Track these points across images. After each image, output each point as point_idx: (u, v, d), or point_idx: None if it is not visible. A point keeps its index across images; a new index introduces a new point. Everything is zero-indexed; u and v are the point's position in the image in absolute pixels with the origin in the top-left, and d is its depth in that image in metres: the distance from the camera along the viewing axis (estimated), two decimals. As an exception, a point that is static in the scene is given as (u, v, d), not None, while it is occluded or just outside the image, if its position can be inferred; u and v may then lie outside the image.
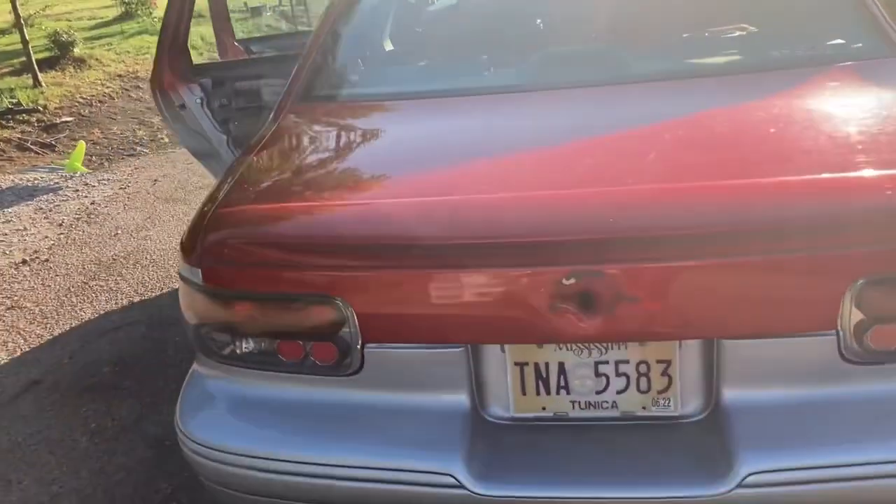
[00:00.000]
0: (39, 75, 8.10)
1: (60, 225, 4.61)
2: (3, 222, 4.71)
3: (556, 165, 1.60)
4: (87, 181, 5.49)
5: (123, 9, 12.94)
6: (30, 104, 7.59)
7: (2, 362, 3.12)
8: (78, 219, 4.69)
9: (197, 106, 3.18)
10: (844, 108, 1.73)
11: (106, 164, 6.11)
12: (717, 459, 1.36)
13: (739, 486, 1.31)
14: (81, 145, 6.37)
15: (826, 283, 1.32)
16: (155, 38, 11.60)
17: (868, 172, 1.38)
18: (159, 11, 12.46)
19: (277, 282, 1.49)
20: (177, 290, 3.37)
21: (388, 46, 2.61)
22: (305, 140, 2.00)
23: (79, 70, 9.40)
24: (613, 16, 2.37)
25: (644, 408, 1.45)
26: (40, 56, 8.72)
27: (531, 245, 1.37)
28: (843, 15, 2.10)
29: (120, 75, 9.71)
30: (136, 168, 5.80)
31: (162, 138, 6.98)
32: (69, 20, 12.53)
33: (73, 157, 6.12)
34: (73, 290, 3.71)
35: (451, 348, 1.45)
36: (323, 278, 1.45)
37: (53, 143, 6.95)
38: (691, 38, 2.27)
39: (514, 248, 1.38)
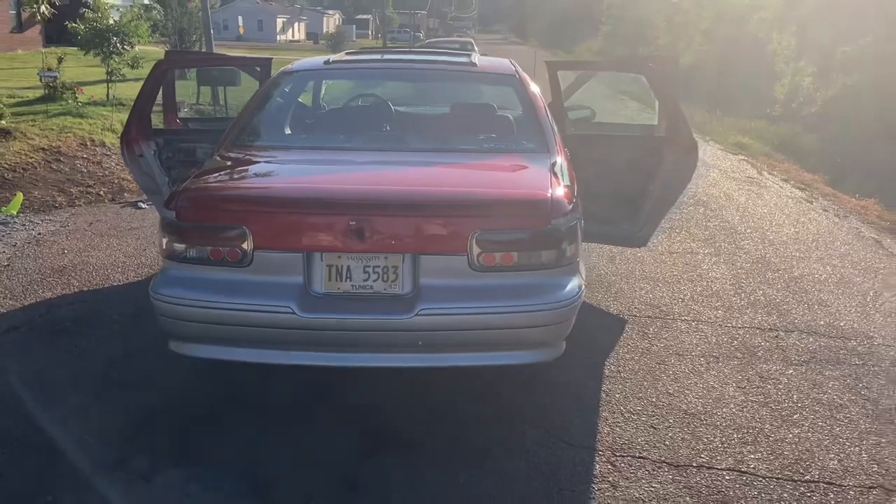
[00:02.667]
0: (-33, 141, 9.32)
1: (14, 246, 6.04)
2: (-37, 241, 6.09)
3: (356, 176, 3.46)
4: (31, 220, 6.92)
5: (48, 91, 14.27)
6: (-43, 164, 8.78)
7: (-14, 317, 4.56)
8: (28, 243, 6.14)
9: (152, 156, 4.86)
10: (501, 167, 3.67)
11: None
12: (410, 307, 3.10)
13: (416, 315, 3.07)
14: (20, 195, 7.80)
15: (463, 232, 3.13)
16: (77, 120, 13.03)
17: (477, 188, 3.30)
18: (84, 97, 14.01)
19: (213, 217, 3.20)
20: (108, 289, 5.02)
21: (287, 131, 4.42)
22: (231, 161, 3.76)
23: (4, 140, 10.65)
24: (415, 123, 4.40)
25: (385, 289, 3.19)
26: (-35, 127, 9.90)
27: (336, 205, 3.16)
28: (534, 132, 4.06)
29: (43, 148, 10.93)
30: (72, 214, 7.28)
31: (80, 205, 8.32)
32: (-7, 97, 13.79)
33: (11, 205, 7.53)
34: (33, 283, 5.17)
35: (296, 253, 3.17)
36: (236, 216, 3.18)
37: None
38: (457, 136, 4.19)
39: (328, 206, 3.16)
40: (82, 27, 15.35)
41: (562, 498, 2.99)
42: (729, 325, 4.76)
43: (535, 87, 4.40)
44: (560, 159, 3.78)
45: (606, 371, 4.06)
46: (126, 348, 4.17)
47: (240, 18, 60.38)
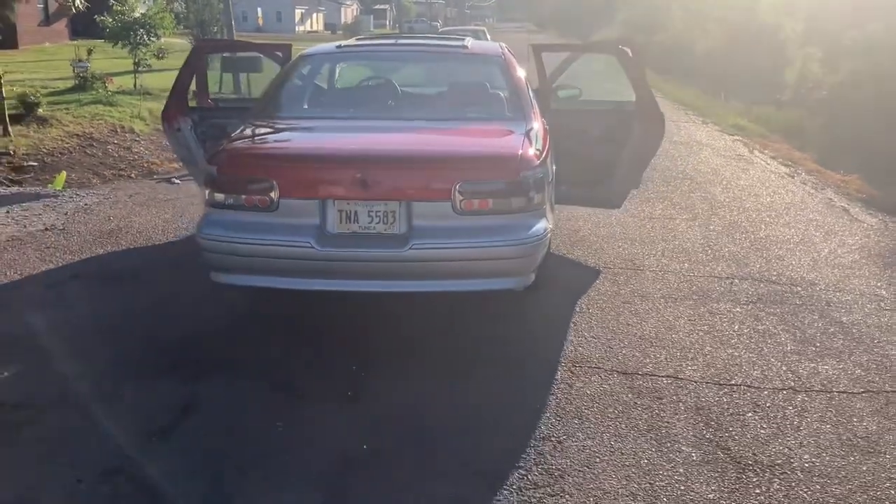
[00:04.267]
0: (9, 128, 10.16)
1: (65, 214, 6.89)
2: (22, 210, 6.95)
3: (362, 138, 4.27)
4: (77, 193, 7.78)
5: (78, 81, 15.13)
6: (1, 149, 9.50)
7: (51, 268, 5.40)
8: (77, 211, 6.99)
9: (188, 130, 5.68)
10: (483, 132, 4.45)
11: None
12: (405, 242, 3.88)
13: (409, 249, 3.85)
14: (63, 173, 8.68)
15: (447, 183, 3.90)
16: (107, 108, 13.90)
17: (459, 147, 4.11)
18: (113, 87, 14.88)
19: (247, 171, 4.00)
20: (152, 246, 5.90)
21: (305, 105, 5.21)
22: (260, 128, 4.56)
23: (42, 127, 11.46)
24: (416, 99, 5.19)
25: (385, 230, 3.96)
26: (8, 113, 10.47)
27: (345, 160, 3.96)
28: (514, 105, 4.81)
29: (77, 135, 11.74)
30: (113, 188, 8.13)
31: (118, 181, 9.16)
32: (30, 86, 14.69)
33: (56, 181, 8.41)
34: (87, 242, 6.01)
35: (313, 200, 3.95)
36: (266, 171, 3.98)
37: (21, 181, 8.99)
38: (451, 108, 4.96)
39: (339, 162, 3.96)
40: (110, 20, 16.24)
41: (526, 393, 3.76)
42: (692, 274, 5.49)
43: (518, 67, 5.15)
44: (536, 126, 4.53)
45: (577, 308, 4.82)
46: (171, 290, 5.00)
47: (259, 9, 61.35)
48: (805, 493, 3.05)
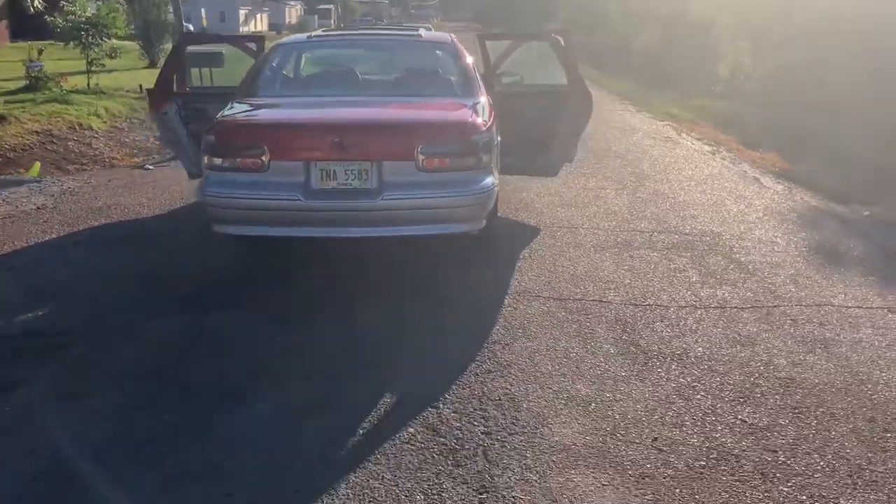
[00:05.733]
0: (-31, 125, 10.61)
1: (52, 196, 7.59)
2: (9, 194, 7.62)
3: (339, 110, 5.17)
4: (58, 179, 8.46)
5: (30, 81, 15.54)
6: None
7: (52, 238, 6.14)
8: (63, 193, 7.69)
9: (174, 113, 6.46)
10: (438, 105, 5.38)
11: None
12: (377, 195, 4.77)
13: (380, 200, 4.74)
14: (37, 163, 9.33)
15: (411, 146, 4.79)
16: (64, 107, 14.45)
17: (421, 116, 5.02)
18: (67, 86, 15.36)
19: (241, 139, 4.86)
20: (142, 219, 6.77)
21: (282, 86, 6.06)
22: (246, 105, 5.39)
23: (0, 125, 12.03)
24: (380, 81, 6.07)
25: (360, 185, 4.84)
26: (-34, 111, 11.08)
27: (324, 127, 4.84)
28: (463, 84, 5.73)
29: (37, 132, 12.16)
30: (90, 175, 8.83)
31: (92, 170, 9.79)
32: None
33: (32, 170, 9.06)
34: (80, 217, 6.74)
35: (299, 162, 4.81)
36: (259, 138, 4.83)
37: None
38: (410, 87, 5.87)
39: (320, 129, 4.84)
40: (60, 20, 16.69)
41: (480, 312, 4.69)
42: (618, 230, 6.49)
43: (466, 53, 6.08)
44: (483, 101, 5.46)
45: (521, 256, 5.76)
46: (168, 249, 5.79)
47: (203, 10, 61.30)
48: (695, 371, 4.03)
